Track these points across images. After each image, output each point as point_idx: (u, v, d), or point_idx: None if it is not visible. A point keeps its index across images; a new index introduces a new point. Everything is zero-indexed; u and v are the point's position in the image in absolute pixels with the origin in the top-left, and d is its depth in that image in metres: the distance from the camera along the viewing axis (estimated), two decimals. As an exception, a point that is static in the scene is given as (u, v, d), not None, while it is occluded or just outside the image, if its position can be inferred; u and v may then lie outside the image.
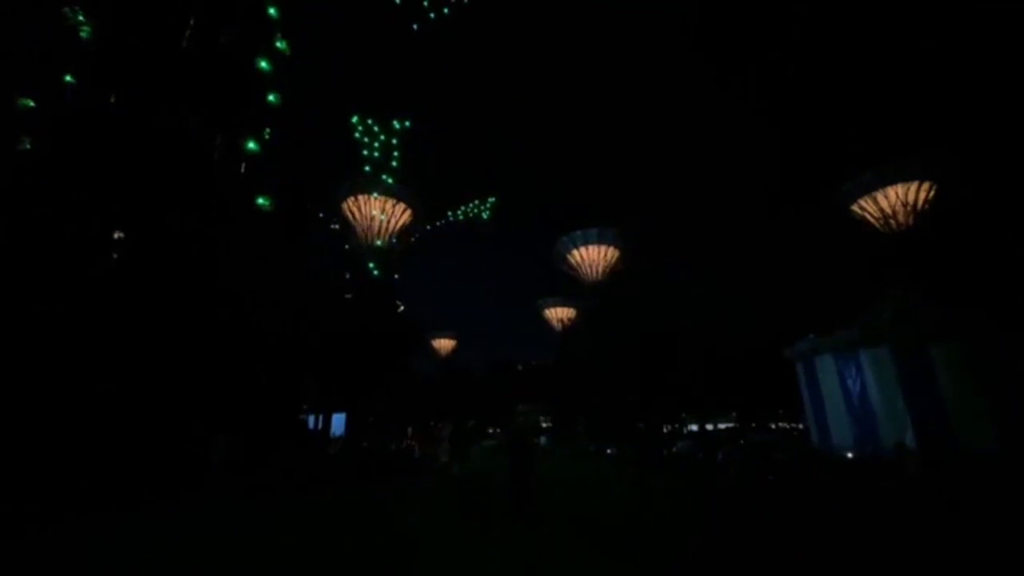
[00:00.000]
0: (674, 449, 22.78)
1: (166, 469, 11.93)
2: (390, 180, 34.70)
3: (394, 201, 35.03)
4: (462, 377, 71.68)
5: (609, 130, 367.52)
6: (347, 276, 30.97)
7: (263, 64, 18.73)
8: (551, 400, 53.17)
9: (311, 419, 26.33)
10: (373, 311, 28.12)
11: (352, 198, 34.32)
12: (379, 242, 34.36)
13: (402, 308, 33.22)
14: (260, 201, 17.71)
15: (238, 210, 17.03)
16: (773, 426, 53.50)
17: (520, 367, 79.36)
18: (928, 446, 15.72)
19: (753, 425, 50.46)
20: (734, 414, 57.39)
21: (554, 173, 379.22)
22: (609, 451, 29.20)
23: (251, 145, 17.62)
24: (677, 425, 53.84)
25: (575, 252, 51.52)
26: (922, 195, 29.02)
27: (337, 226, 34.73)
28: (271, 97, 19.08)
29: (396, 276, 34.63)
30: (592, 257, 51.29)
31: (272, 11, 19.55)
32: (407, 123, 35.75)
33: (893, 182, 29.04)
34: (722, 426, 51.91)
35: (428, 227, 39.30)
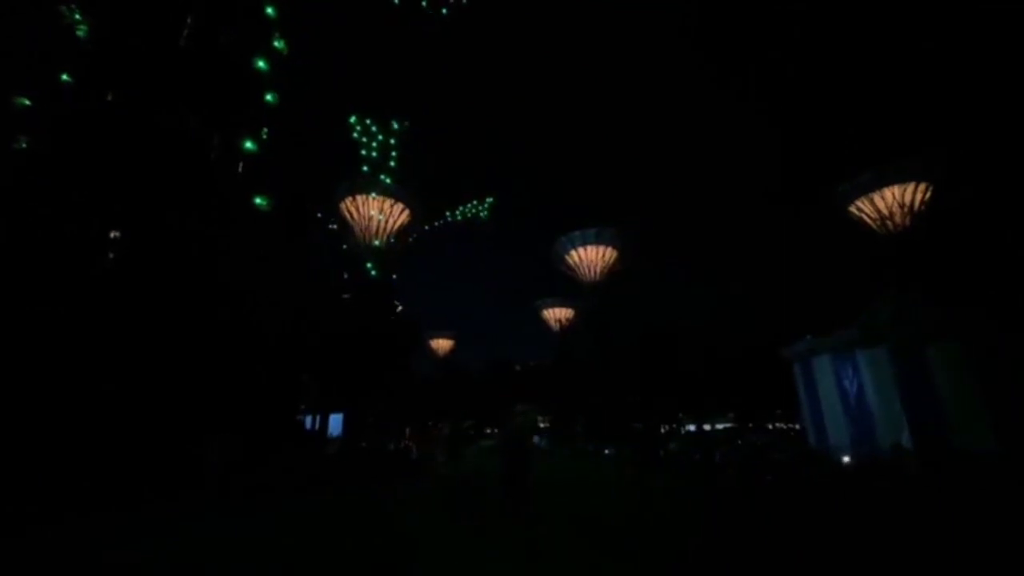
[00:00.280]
0: (671, 447, 22.92)
1: (166, 469, 11.91)
2: (388, 180, 34.75)
3: (392, 201, 34.93)
4: (460, 377, 71.73)
5: (608, 130, 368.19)
6: (345, 276, 30.97)
7: (261, 64, 18.67)
8: (550, 400, 53.20)
9: (308, 420, 26.31)
10: (372, 311, 28.13)
11: (350, 198, 34.22)
12: (377, 242, 34.29)
13: (401, 308, 33.22)
14: (258, 201, 17.68)
15: (237, 210, 17.01)
16: (770, 427, 53.55)
17: (519, 367, 79.38)
18: (926, 446, 15.77)
19: (750, 425, 50.52)
20: (731, 415, 57.46)
21: (553, 173, 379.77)
22: (607, 451, 29.26)
23: (249, 145, 17.58)
24: (675, 425, 53.93)
25: (574, 252, 51.58)
26: (919, 196, 29.18)
27: (335, 226, 34.68)
28: (269, 97, 19.02)
29: (394, 276, 34.61)
30: (591, 257, 51.34)
31: (270, 11, 19.48)
32: (406, 123, 35.83)
33: (890, 183, 29.17)
34: (720, 426, 51.94)
35: (426, 227, 39.32)
